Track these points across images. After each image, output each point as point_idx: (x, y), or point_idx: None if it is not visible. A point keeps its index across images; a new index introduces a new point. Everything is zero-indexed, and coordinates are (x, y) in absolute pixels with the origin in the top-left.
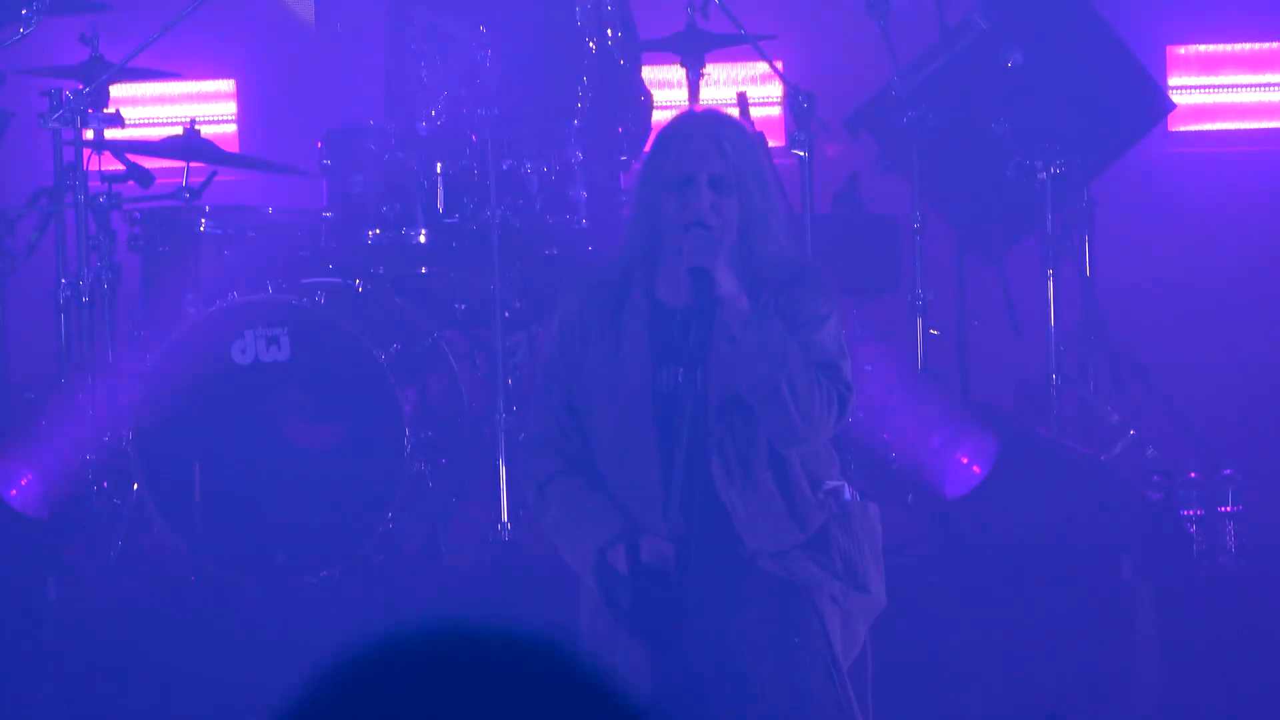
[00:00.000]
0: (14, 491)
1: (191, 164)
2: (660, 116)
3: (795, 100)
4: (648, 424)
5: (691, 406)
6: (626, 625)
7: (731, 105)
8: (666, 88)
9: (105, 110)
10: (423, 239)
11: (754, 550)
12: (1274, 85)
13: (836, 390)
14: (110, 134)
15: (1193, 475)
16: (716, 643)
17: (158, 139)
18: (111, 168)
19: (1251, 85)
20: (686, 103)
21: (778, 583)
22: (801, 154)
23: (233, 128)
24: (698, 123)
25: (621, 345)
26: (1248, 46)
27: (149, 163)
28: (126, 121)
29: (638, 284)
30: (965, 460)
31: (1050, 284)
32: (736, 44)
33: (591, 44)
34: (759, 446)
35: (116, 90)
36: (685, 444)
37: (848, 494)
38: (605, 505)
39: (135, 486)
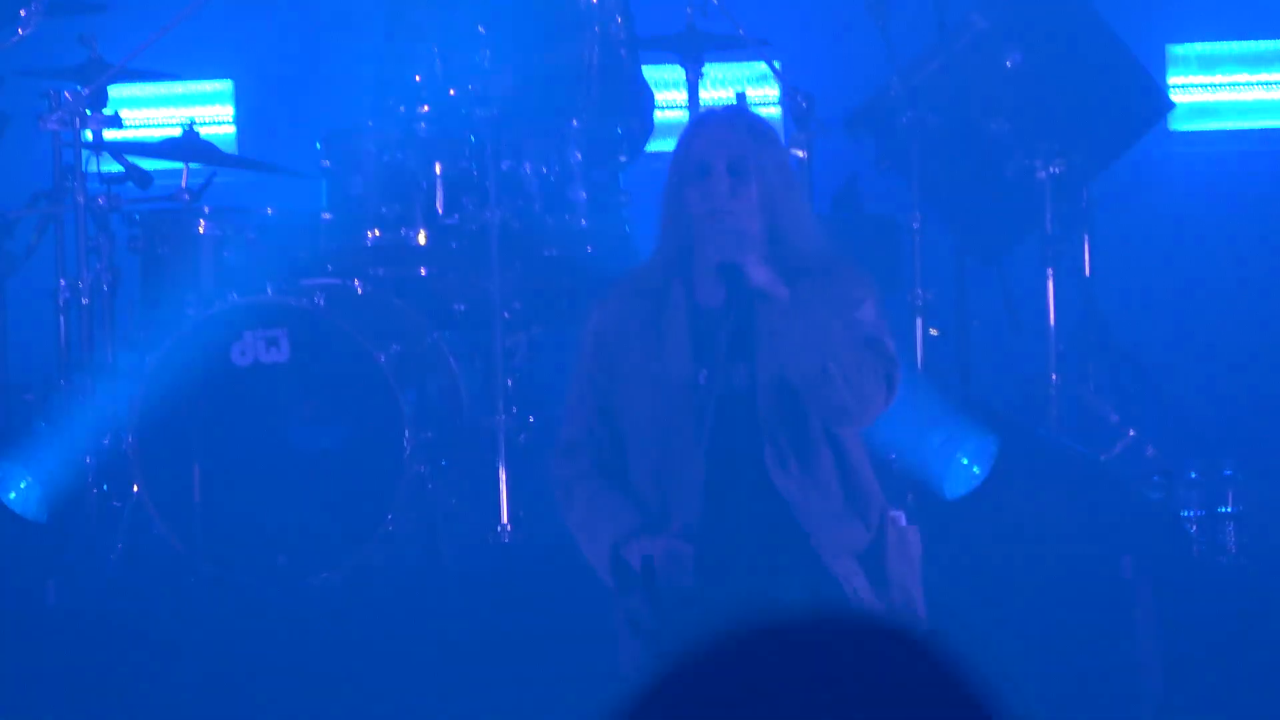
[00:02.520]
0: (13, 494)
1: (190, 165)
2: (660, 116)
3: (794, 100)
4: (690, 425)
5: (714, 406)
6: (644, 625)
7: (730, 104)
8: (666, 88)
9: (104, 111)
10: (422, 240)
11: (816, 544)
12: (1274, 84)
13: (884, 366)
14: (109, 135)
15: (1193, 475)
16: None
17: (157, 140)
18: (110, 169)
19: (1251, 84)
20: (686, 102)
21: (814, 571)
22: (801, 154)
23: (231, 129)
24: (713, 116)
25: (663, 346)
26: (1247, 45)
27: (148, 164)
28: (125, 123)
29: (676, 285)
30: (965, 460)
31: (1050, 284)
32: (735, 44)
33: (591, 43)
34: (813, 435)
35: (115, 91)
36: (705, 445)
37: (903, 521)
38: (622, 503)
39: (135, 488)
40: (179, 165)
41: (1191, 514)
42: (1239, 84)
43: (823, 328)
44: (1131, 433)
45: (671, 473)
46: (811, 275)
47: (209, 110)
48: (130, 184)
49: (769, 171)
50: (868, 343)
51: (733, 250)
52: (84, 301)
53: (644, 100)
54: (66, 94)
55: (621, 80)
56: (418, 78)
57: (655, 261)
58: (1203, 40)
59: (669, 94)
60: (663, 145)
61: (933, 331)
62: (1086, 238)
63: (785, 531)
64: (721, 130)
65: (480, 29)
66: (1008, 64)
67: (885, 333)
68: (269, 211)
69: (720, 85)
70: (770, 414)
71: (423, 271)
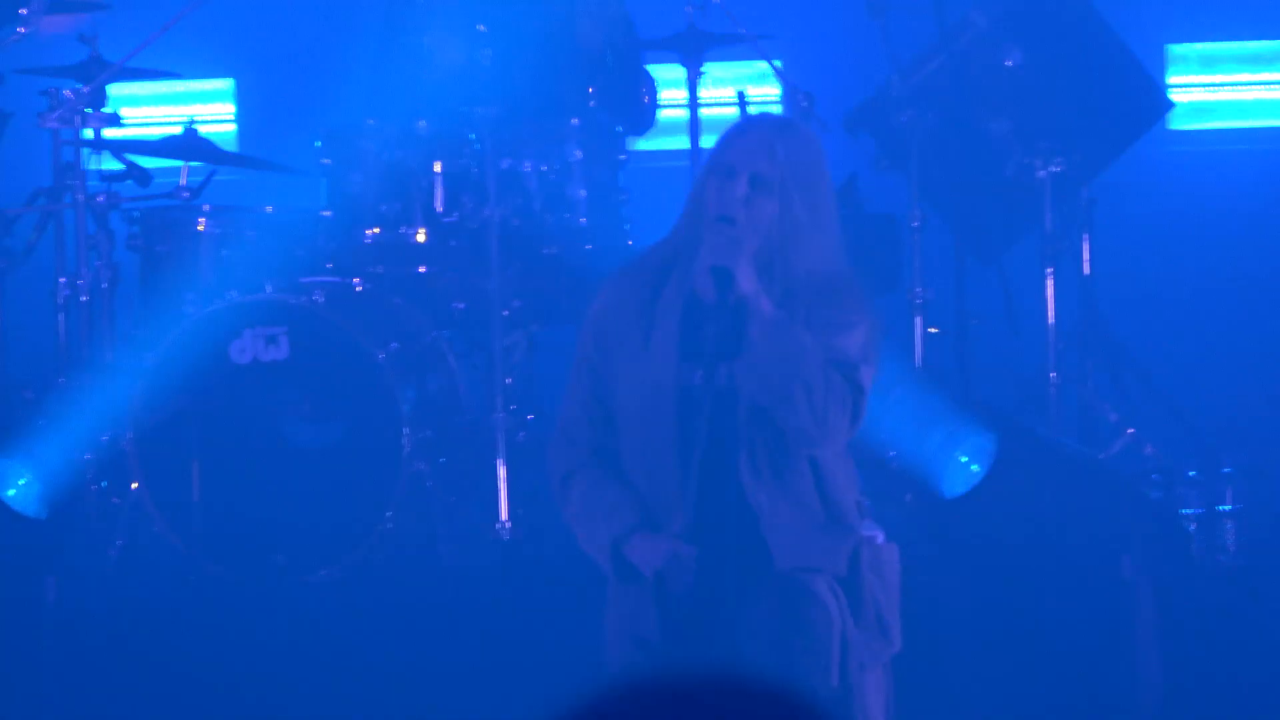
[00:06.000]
0: (13, 491)
1: (190, 163)
2: (660, 115)
3: (794, 99)
4: (670, 420)
5: (709, 407)
6: (646, 620)
7: (730, 104)
8: (666, 87)
9: (104, 109)
10: (421, 238)
11: (779, 560)
12: (1273, 83)
13: (851, 396)
14: (109, 133)
15: (1192, 474)
16: (721, 637)
17: (156, 138)
18: (110, 167)
19: (1251, 83)
20: (686, 102)
21: (786, 581)
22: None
23: (231, 127)
24: (759, 123)
25: (652, 337)
26: (1247, 44)
27: (148, 162)
28: (125, 121)
29: (677, 273)
30: (964, 459)
31: (1049, 283)
32: (736, 43)
33: (591, 42)
34: (792, 447)
35: (115, 89)
36: (702, 446)
37: (881, 540)
38: (622, 496)
39: (134, 486)
40: (179, 163)
41: (1191, 512)
42: (1239, 84)
43: (798, 348)
44: (1130, 431)
45: (658, 470)
46: (806, 295)
47: (209, 108)
48: (130, 182)
49: (794, 195)
50: (842, 369)
51: (726, 255)
52: (83, 299)
53: (647, 104)
54: (67, 92)
55: (620, 80)
56: (418, 75)
57: (662, 249)
58: (1203, 40)
59: (669, 93)
60: (663, 144)
61: (932, 330)
62: (1086, 237)
63: (751, 544)
64: (758, 141)
65: (480, 27)
66: (1007, 63)
67: (868, 360)
68: (268, 209)
69: (720, 84)
70: (750, 421)
71: (422, 270)
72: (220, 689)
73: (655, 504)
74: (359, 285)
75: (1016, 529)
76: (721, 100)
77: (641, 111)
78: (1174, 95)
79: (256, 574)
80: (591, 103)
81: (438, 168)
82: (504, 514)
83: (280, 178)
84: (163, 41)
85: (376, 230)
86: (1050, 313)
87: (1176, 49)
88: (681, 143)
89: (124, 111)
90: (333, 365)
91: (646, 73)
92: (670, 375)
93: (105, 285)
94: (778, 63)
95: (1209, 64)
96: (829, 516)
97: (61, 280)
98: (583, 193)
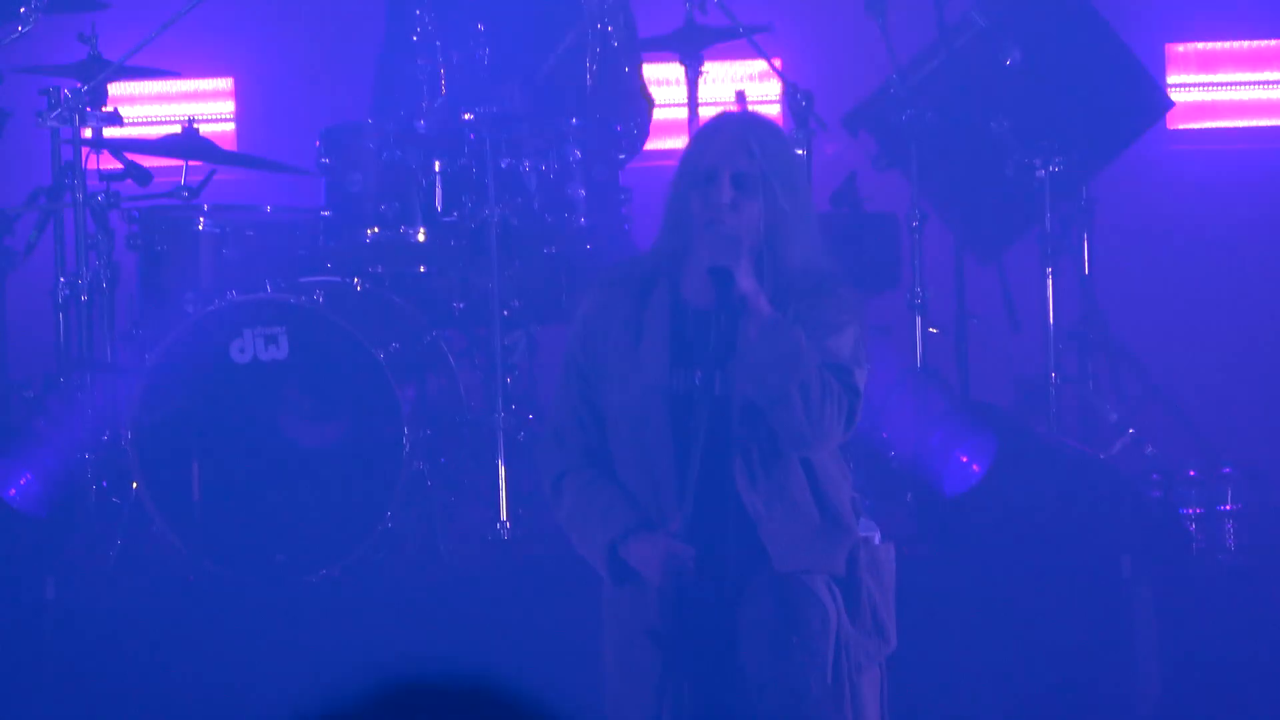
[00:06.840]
0: (13, 490)
1: (190, 162)
2: (660, 114)
3: (794, 98)
4: (663, 424)
5: (707, 411)
6: (643, 621)
7: (731, 103)
8: (665, 85)
9: (103, 109)
10: (421, 237)
11: (778, 563)
12: (1273, 83)
13: (847, 398)
14: (108, 132)
15: (1192, 473)
16: (720, 638)
17: (156, 137)
18: (110, 166)
19: (1250, 83)
20: (686, 101)
21: (784, 581)
22: (800, 152)
23: (231, 126)
24: (728, 121)
25: (641, 343)
26: (1247, 44)
27: (147, 161)
28: (125, 120)
29: (664, 281)
30: (964, 459)
31: (1049, 282)
32: (735, 37)
33: (591, 42)
34: (786, 450)
35: (115, 89)
36: (700, 450)
37: (878, 539)
38: (617, 498)
39: (134, 485)
40: (179, 162)
41: (1190, 512)
42: (1238, 83)
43: (795, 348)
44: (1130, 431)
45: (652, 475)
46: (798, 295)
47: (209, 108)
48: (130, 181)
49: (775, 190)
50: (836, 371)
51: (724, 255)
52: (83, 298)
53: (642, 106)
54: (66, 91)
55: (620, 81)
56: (418, 74)
57: (649, 257)
58: (1202, 40)
59: (669, 91)
60: (663, 144)
61: (932, 330)
62: (1086, 236)
63: (748, 546)
64: (733, 140)
65: (479, 26)
66: (1007, 62)
67: (860, 362)
68: (268, 209)
69: (720, 83)
70: (743, 425)
71: (422, 269)
72: (220, 689)
73: (649, 508)
74: (359, 285)
75: (1016, 529)
76: (721, 99)
77: (628, 139)
78: (1174, 95)
79: (257, 574)
80: (589, 102)
81: (437, 167)
82: (504, 514)
83: (280, 177)
84: (162, 41)
85: (376, 230)
86: (1050, 312)
87: (1177, 49)
88: (681, 142)
89: (123, 110)
90: (333, 365)
91: (647, 93)
92: (662, 381)
93: (105, 285)
94: (777, 61)
95: (1209, 64)
96: (824, 518)
97: (61, 280)
98: (582, 192)
